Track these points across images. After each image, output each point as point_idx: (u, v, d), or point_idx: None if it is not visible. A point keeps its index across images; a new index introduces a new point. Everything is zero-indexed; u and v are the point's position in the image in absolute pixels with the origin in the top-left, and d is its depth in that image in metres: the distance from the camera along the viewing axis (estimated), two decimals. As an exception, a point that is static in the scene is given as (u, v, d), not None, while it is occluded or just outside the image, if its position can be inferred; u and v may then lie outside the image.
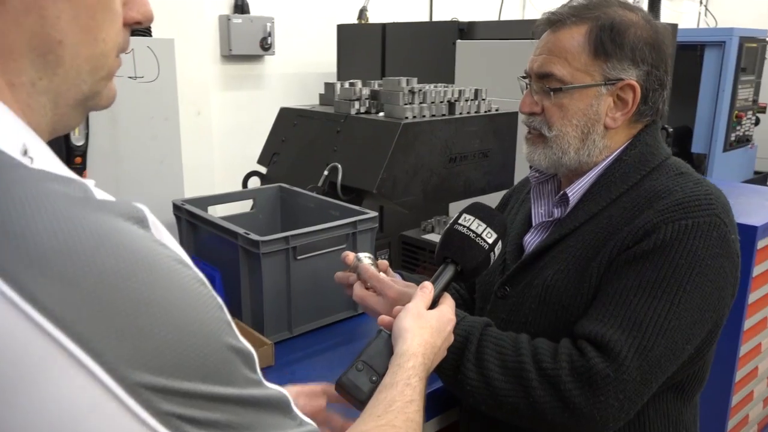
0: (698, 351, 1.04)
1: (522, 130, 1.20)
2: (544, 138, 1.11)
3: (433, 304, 0.99)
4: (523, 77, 1.17)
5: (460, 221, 1.05)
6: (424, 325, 0.93)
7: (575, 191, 1.13)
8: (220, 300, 0.54)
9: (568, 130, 1.09)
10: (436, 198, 2.27)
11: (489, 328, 1.05)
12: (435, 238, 3.20)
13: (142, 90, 1.75)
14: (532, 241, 1.19)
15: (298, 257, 1.43)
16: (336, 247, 1.51)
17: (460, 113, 2.24)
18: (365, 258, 1.16)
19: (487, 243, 1.02)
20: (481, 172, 2.32)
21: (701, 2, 6.20)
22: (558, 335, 1.03)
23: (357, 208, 1.61)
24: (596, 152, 1.11)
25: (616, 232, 1.04)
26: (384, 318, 0.96)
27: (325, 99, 2.53)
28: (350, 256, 1.17)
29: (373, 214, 1.56)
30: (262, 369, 1.25)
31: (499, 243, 1.04)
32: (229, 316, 0.55)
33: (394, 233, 3.30)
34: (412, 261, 3.29)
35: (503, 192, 1.45)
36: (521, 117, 1.16)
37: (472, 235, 1.03)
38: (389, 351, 0.93)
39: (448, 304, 0.99)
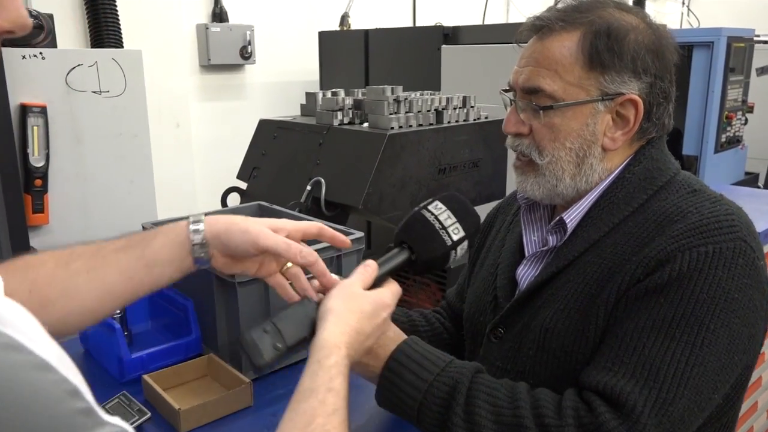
0: (727, 400, 0.91)
1: (510, 155, 1.07)
2: (535, 165, 0.97)
3: (376, 287, 0.89)
4: (506, 90, 1.01)
5: (429, 207, 0.94)
6: (353, 308, 0.83)
7: (573, 216, 0.98)
8: (66, 376, 0.47)
9: (561, 155, 0.94)
10: (425, 211, 2.18)
11: (480, 375, 0.90)
12: (424, 249, 3.10)
13: (107, 105, 1.63)
14: (525, 274, 1.04)
15: (279, 285, 1.31)
16: (319, 271, 1.39)
17: (449, 122, 2.14)
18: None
19: (451, 239, 0.92)
20: (471, 183, 2.22)
21: (683, 2, 6.17)
22: (562, 386, 0.90)
23: (341, 228, 1.49)
24: (594, 177, 0.97)
25: (623, 264, 0.90)
26: (313, 286, 0.89)
27: (306, 110, 2.42)
28: None
29: (359, 234, 1.45)
30: (239, 411, 1.13)
31: (465, 243, 0.94)
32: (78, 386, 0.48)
33: (383, 245, 3.19)
34: (403, 273, 3.18)
35: (495, 203, 1.33)
36: (507, 140, 1.02)
37: (437, 225, 0.92)
38: (308, 322, 0.85)
39: (390, 289, 0.88)
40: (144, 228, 1.51)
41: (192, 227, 0.83)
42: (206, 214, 0.85)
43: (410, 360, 0.88)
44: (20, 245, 1.40)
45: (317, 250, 1.36)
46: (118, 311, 1.40)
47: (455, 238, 0.93)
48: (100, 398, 1.24)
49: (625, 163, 0.99)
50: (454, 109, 2.17)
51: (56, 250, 0.77)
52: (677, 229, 0.87)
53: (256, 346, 0.81)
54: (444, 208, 0.94)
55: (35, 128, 1.52)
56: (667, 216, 0.90)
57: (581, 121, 0.94)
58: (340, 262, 1.41)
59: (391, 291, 0.89)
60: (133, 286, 0.79)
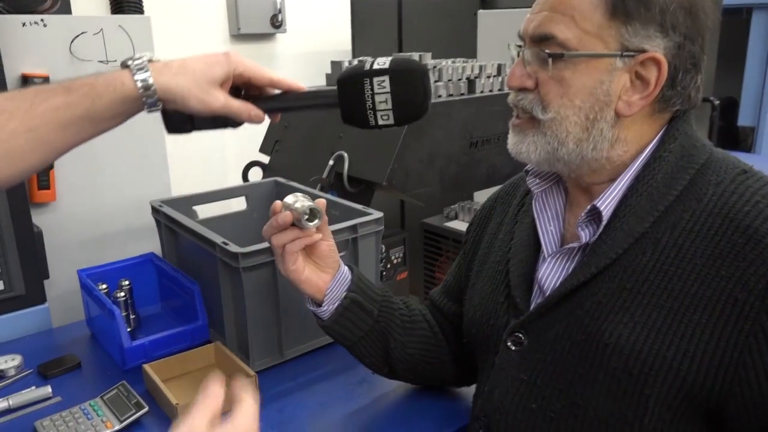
0: None
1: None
2: (536, 122, 0.84)
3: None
4: (518, 45, 0.89)
5: (375, 80, 0.83)
6: None
7: (607, 203, 0.84)
8: None
9: (568, 113, 0.82)
10: (456, 188, 2.04)
11: None
12: (459, 225, 2.95)
13: (115, 76, 1.54)
14: (552, 275, 0.90)
15: (288, 269, 1.21)
16: (333, 255, 1.29)
17: (482, 91, 1.99)
18: (293, 197, 0.98)
19: (376, 122, 0.85)
20: (506, 157, 2.07)
21: (744, -38, 5.76)
22: (619, 406, 0.78)
23: (359, 207, 1.38)
24: (605, 146, 0.83)
25: (709, 279, 0.76)
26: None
27: (331, 79, 2.30)
28: (278, 204, 0.97)
29: (378, 215, 1.34)
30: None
31: (389, 125, 0.86)
32: None
33: (417, 220, 3.07)
34: (435, 251, 3.06)
35: None
36: (510, 97, 0.89)
37: (369, 103, 0.84)
38: None
39: (244, 411, 0.69)
40: (154, 208, 1.43)
41: (139, 83, 0.76)
42: (150, 61, 0.79)
43: None
44: (22, 223, 1.33)
45: (333, 231, 1.25)
46: (123, 294, 1.33)
47: (380, 123, 0.85)
48: (102, 386, 1.17)
49: (657, 139, 0.85)
50: (488, 77, 2.01)
51: None
52: None
53: None
54: (387, 90, 0.83)
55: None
56: (745, 215, 0.76)
57: (595, 78, 0.80)
58: (356, 245, 1.30)
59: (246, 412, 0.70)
60: (78, 140, 0.77)
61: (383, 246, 1.90)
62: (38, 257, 1.39)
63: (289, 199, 0.96)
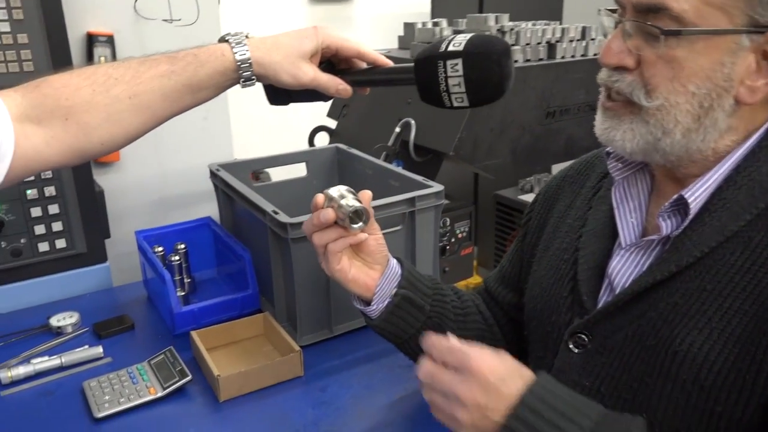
0: None
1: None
2: (636, 108, 0.72)
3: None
4: (611, 11, 0.76)
5: (448, 63, 0.79)
6: None
7: (697, 195, 0.72)
8: None
9: (679, 100, 0.69)
10: (529, 161, 1.91)
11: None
12: (533, 198, 2.83)
13: (179, 35, 1.52)
14: (623, 269, 0.79)
15: (339, 242, 1.16)
16: (389, 229, 1.22)
17: (563, 57, 1.84)
18: (338, 191, 0.88)
19: (451, 104, 0.82)
20: (586, 129, 1.92)
21: None
22: (688, 424, 0.68)
23: (419, 179, 1.30)
24: (714, 136, 0.71)
25: None
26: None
27: (404, 42, 2.21)
28: (319, 199, 0.88)
29: (438, 188, 1.25)
30: (288, 380, 1.00)
31: (464, 107, 0.82)
32: None
33: (491, 193, 2.96)
34: (508, 224, 2.93)
35: None
36: (600, 74, 0.76)
37: (442, 86, 0.81)
38: None
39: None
40: (212, 172, 1.41)
41: (238, 56, 0.80)
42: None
43: (549, 408, 0.64)
44: (84, 181, 1.34)
45: (386, 205, 1.19)
46: (177, 257, 1.32)
47: (455, 104, 0.82)
48: (153, 350, 1.17)
49: (765, 127, 0.72)
50: (570, 41, 1.86)
51: (85, 74, 0.76)
52: None
53: None
54: (459, 73, 0.79)
55: (102, 59, 1.44)
56: None
57: (715, 59, 0.67)
58: (413, 219, 1.23)
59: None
60: (176, 108, 0.81)
61: (448, 219, 1.81)
62: (99, 216, 1.40)
63: (332, 192, 0.88)
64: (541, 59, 1.81)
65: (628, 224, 0.80)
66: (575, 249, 0.86)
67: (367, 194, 0.89)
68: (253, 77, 0.82)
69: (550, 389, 0.66)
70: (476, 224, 2.41)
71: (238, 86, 0.83)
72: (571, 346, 0.80)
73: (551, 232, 0.94)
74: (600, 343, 0.77)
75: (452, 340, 0.70)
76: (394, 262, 0.94)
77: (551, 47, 1.83)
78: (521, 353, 0.98)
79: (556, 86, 1.82)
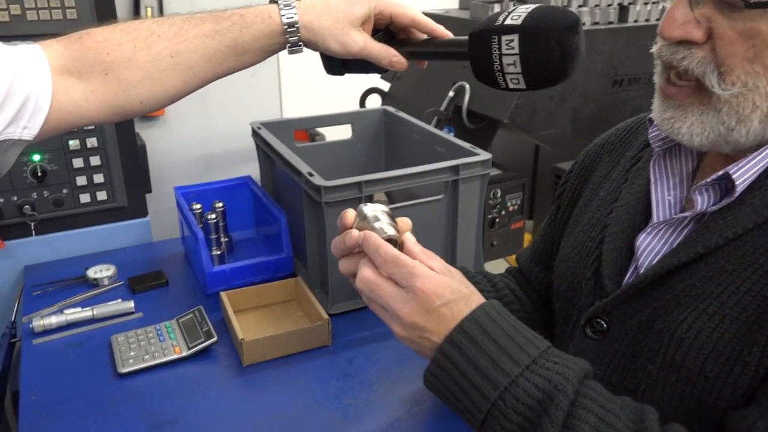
0: None
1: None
2: (707, 95, 0.61)
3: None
4: None
5: (503, 38, 0.69)
6: None
7: (746, 173, 0.63)
8: None
9: (759, 84, 0.59)
10: (590, 132, 1.78)
11: (589, 382, 0.62)
12: (595, 174, 2.69)
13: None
14: (650, 248, 0.70)
15: (376, 209, 1.10)
16: (428, 198, 1.16)
17: (635, 20, 1.70)
18: (372, 211, 0.70)
19: (506, 85, 0.72)
20: (656, 101, 1.79)
21: None
22: (690, 421, 0.61)
23: (466, 146, 1.22)
24: None
25: None
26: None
27: (464, 2, 2.10)
28: (348, 215, 0.72)
29: (485, 156, 1.17)
30: (315, 349, 0.96)
31: (521, 90, 0.73)
32: None
33: (551, 164, 2.83)
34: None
35: None
36: (657, 48, 0.66)
37: (496, 65, 0.70)
38: None
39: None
40: (253, 130, 1.37)
41: (285, 18, 0.76)
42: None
43: (486, 336, 0.60)
44: (126, 134, 1.32)
45: (428, 172, 1.12)
46: (214, 216, 1.29)
47: (511, 86, 0.72)
48: (184, 307, 1.15)
49: None
50: (645, 3, 1.71)
51: (128, 28, 0.73)
52: None
53: None
54: (515, 51, 0.68)
55: (149, 9, 1.41)
56: None
57: None
58: (456, 189, 1.16)
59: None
60: (219, 71, 0.77)
61: (499, 191, 1.73)
62: (141, 170, 1.39)
63: (367, 211, 0.71)
64: (610, 22, 1.67)
65: (664, 201, 0.71)
66: (604, 226, 0.78)
67: (406, 224, 0.73)
68: (300, 43, 0.77)
69: (492, 318, 0.62)
70: (532, 197, 2.31)
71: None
72: (587, 331, 0.73)
73: (583, 206, 0.85)
74: (617, 329, 0.70)
75: (396, 250, 0.65)
76: None
77: (623, 9, 1.69)
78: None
79: (626, 52, 1.69)
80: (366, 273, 0.65)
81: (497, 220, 1.74)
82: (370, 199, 1.09)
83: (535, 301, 0.94)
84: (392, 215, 0.72)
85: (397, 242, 0.68)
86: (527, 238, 2.05)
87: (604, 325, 0.71)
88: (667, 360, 0.63)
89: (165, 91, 0.75)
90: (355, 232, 0.69)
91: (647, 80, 1.77)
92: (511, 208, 1.77)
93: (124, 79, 0.72)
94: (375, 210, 0.71)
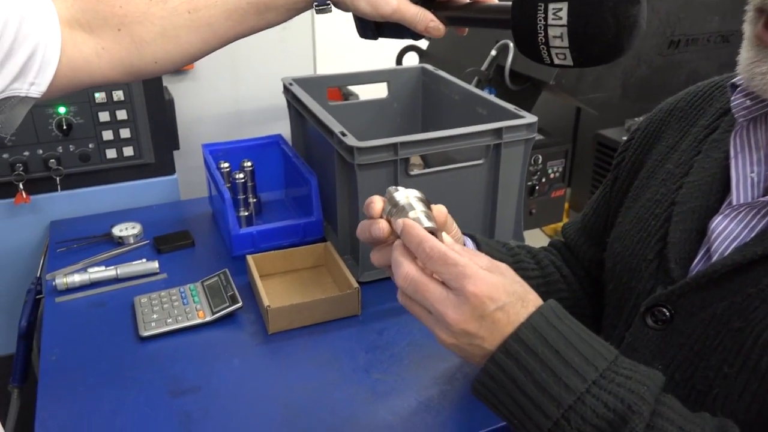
0: None
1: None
2: None
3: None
4: None
5: (550, 5, 0.60)
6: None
7: None
8: None
9: None
10: (642, 97, 1.68)
11: (667, 400, 0.54)
12: (639, 142, 2.56)
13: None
14: (728, 233, 0.62)
15: (411, 173, 1.03)
16: (467, 162, 1.08)
17: (697, -24, 1.58)
18: (405, 198, 0.62)
19: (551, 60, 0.63)
20: (715, 64, 1.66)
21: None
22: None
23: (510, 107, 1.14)
24: None
25: None
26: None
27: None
28: (376, 204, 0.64)
29: (531, 119, 1.09)
30: (343, 318, 0.91)
31: (567, 66, 0.64)
32: None
33: (593, 132, 2.71)
34: (607, 168, 2.70)
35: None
36: None
37: (541, 36, 0.61)
38: None
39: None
40: (285, 86, 1.31)
41: None
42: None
43: (546, 345, 0.53)
44: (154, 87, 1.27)
45: (468, 134, 1.04)
46: (242, 176, 1.24)
47: (556, 62, 0.63)
48: (209, 270, 1.11)
49: None
50: (709, -42, 1.58)
51: None
52: None
53: None
54: (563, 22, 0.59)
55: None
56: None
57: None
58: (498, 153, 1.08)
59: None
60: (240, 30, 0.71)
61: (540, 156, 1.64)
62: (168, 126, 1.35)
63: (399, 197, 0.62)
64: (670, -23, 1.55)
65: (745, 179, 0.62)
66: (671, 203, 0.69)
67: (442, 212, 0.66)
68: (328, 2, 0.70)
69: (552, 323, 0.55)
70: (572, 165, 2.21)
71: None
72: (648, 320, 0.65)
73: (646, 178, 0.76)
74: (683, 320, 0.62)
75: (445, 245, 0.57)
76: (469, 242, 0.78)
77: (684, -37, 1.57)
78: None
79: (685, 10, 1.56)
80: (409, 270, 0.57)
81: (537, 187, 1.65)
82: (406, 162, 1.02)
83: (582, 280, 0.87)
84: (428, 202, 0.64)
85: (436, 234, 0.59)
86: (566, 207, 1.96)
87: (667, 314, 0.64)
88: (749, 365, 0.56)
89: (182, 50, 0.69)
90: (384, 224, 0.62)
91: (706, 41, 1.65)
92: (552, 176, 1.68)
93: (137, 35, 0.66)
94: (408, 196, 0.63)
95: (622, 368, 0.54)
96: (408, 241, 0.58)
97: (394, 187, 0.65)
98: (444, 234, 0.62)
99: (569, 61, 0.63)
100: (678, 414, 0.53)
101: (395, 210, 0.62)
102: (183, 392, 0.85)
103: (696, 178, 0.68)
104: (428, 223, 0.60)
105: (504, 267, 0.59)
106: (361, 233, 0.65)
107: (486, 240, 0.80)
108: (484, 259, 0.58)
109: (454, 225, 0.72)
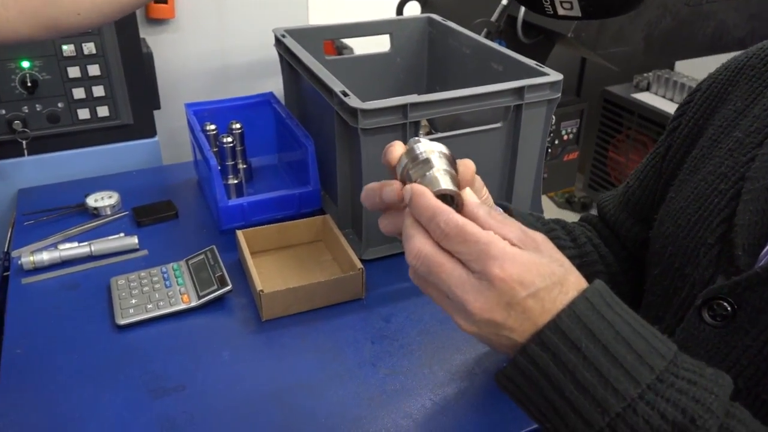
0: None
1: None
2: None
3: None
4: None
5: None
6: None
7: None
8: None
9: None
10: (666, 50, 1.55)
11: (735, 410, 0.44)
12: (650, 99, 2.43)
13: None
14: None
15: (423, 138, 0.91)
16: (485, 126, 0.96)
17: None
18: (427, 152, 0.51)
19: (553, 11, 0.59)
20: (744, 16, 1.53)
21: None
22: None
23: (531, 64, 1.01)
24: None
25: None
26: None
27: None
28: (395, 150, 0.53)
29: (556, 77, 0.97)
30: (346, 303, 0.81)
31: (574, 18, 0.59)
32: None
33: (597, 89, 2.58)
34: (614, 126, 2.57)
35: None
36: None
37: None
38: None
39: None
40: (276, 39, 1.17)
41: None
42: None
43: (591, 338, 0.43)
44: (129, 38, 1.14)
45: (486, 95, 0.92)
46: (231, 139, 1.12)
47: (560, 12, 0.58)
48: (195, 245, 0.99)
49: None
50: None
51: None
52: None
53: None
54: None
55: None
56: None
57: None
58: (519, 116, 0.96)
59: None
60: None
61: (553, 117, 1.52)
62: (148, 83, 1.21)
63: (419, 150, 0.51)
64: None
65: None
66: (740, 177, 0.58)
67: (469, 169, 0.54)
68: None
69: (600, 311, 0.44)
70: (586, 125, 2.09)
71: None
72: (705, 315, 0.55)
73: (707, 147, 0.65)
74: (749, 317, 0.52)
75: (461, 218, 0.46)
76: (499, 212, 0.67)
77: None
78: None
79: (717, -45, 1.43)
80: (422, 246, 0.47)
81: (550, 150, 1.54)
82: (416, 126, 0.90)
83: (623, 261, 0.76)
84: (453, 159, 0.52)
85: (455, 199, 0.49)
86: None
87: (729, 310, 0.54)
88: None
89: (93, 4, 0.59)
90: (396, 185, 0.51)
91: (736, -10, 1.51)
92: (565, 138, 1.56)
93: None
94: (431, 149, 0.51)
95: (684, 370, 0.44)
96: (418, 214, 0.48)
97: (416, 137, 0.53)
98: (468, 191, 0.51)
99: (576, 12, 0.56)
100: (751, 430, 0.43)
101: (412, 165, 0.51)
102: (165, 392, 0.74)
103: None
104: (447, 185, 0.49)
105: (541, 239, 0.48)
106: (366, 198, 0.54)
107: (520, 211, 0.69)
108: (515, 229, 0.48)
109: (484, 189, 0.60)
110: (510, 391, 0.48)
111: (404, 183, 0.51)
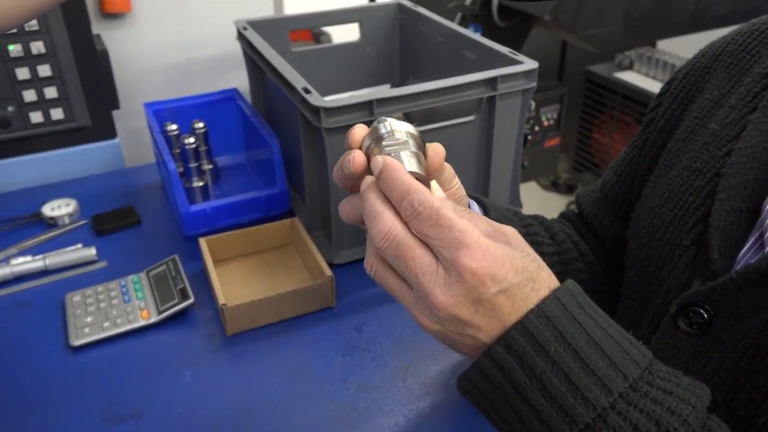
0: None
1: None
2: None
3: None
4: None
5: None
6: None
7: None
8: None
9: None
10: (646, 30, 1.50)
11: (712, 422, 0.41)
12: (633, 78, 2.39)
13: None
14: None
15: (390, 135, 0.86)
16: (456, 119, 0.91)
17: None
18: (393, 131, 0.46)
19: None
20: (725, -8, 1.48)
21: None
22: None
23: (505, 51, 0.96)
24: None
25: None
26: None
27: None
28: (357, 132, 0.48)
29: (531, 65, 0.92)
30: (317, 312, 0.76)
31: None
32: None
33: (579, 70, 2.53)
34: (597, 107, 2.53)
35: (751, 27, 0.60)
36: None
37: None
38: None
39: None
40: (238, 31, 1.11)
41: None
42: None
43: (561, 341, 0.39)
44: (81, 39, 1.07)
45: (457, 87, 0.87)
46: (193, 140, 1.06)
47: None
48: (158, 255, 0.93)
49: None
50: None
51: None
52: None
53: None
54: None
55: None
56: None
57: None
58: (493, 107, 0.91)
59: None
60: None
61: (533, 103, 1.47)
62: (104, 82, 1.15)
63: (383, 129, 0.46)
64: None
65: None
66: (715, 174, 0.54)
67: (438, 153, 0.49)
68: None
69: (571, 312, 0.41)
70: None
71: None
72: (680, 322, 0.51)
73: (683, 140, 0.60)
74: (726, 326, 0.48)
75: (435, 196, 0.42)
76: (474, 206, 0.62)
77: None
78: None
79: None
80: (393, 225, 0.42)
81: (530, 137, 1.49)
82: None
83: (602, 259, 0.72)
84: (422, 143, 0.48)
85: (423, 183, 0.44)
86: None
87: (706, 317, 0.49)
88: None
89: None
90: (358, 156, 0.46)
91: (717, -34, 1.47)
92: (545, 123, 1.51)
93: None
94: (398, 130, 0.46)
95: (660, 379, 0.40)
96: (389, 189, 0.43)
97: (383, 117, 0.48)
98: (434, 183, 0.47)
99: None
100: None
101: (375, 145, 0.46)
102: (122, 419, 0.69)
103: (749, 143, 0.52)
104: (415, 168, 0.44)
105: (510, 232, 0.44)
106: (337, 179, 0.49)
107: (495, 205, 0.65)
108: (482, 223, 0.43)
109: (456, 179, 0.54)
110: (472, 397, 0.44)
111: (368, 160, 0.46)
